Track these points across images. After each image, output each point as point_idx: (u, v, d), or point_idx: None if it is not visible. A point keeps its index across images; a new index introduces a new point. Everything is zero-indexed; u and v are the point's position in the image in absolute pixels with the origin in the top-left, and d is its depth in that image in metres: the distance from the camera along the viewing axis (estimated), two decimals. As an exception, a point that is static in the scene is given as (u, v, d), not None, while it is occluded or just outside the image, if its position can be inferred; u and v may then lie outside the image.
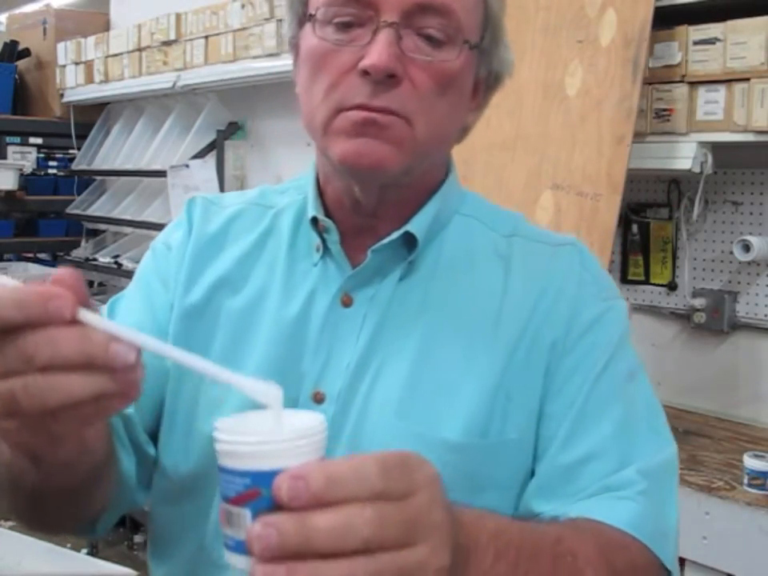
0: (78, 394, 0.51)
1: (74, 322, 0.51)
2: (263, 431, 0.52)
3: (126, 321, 0.88)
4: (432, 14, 0.77)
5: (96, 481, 0.74)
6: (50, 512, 0.76)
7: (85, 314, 0.52)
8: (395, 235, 0.83)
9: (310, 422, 0.53)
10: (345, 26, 0.77)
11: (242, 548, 0.50)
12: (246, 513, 0.50)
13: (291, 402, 0.74)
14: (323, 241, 0.85)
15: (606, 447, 0.82)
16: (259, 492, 0.50)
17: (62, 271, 0.54)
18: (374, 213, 0.84)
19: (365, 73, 0.75)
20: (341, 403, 0.81)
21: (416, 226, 0.83)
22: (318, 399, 0.81)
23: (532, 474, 0.83)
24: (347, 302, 0.84)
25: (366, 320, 0.83)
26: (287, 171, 3.65)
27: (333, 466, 0.49)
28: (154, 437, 0.88)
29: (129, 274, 3.99)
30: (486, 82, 0.86)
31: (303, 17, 0.82)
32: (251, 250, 0.89)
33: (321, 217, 0.85)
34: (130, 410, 0.85)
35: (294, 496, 0.47)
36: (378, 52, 0.74)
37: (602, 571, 0.72)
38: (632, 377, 0.90)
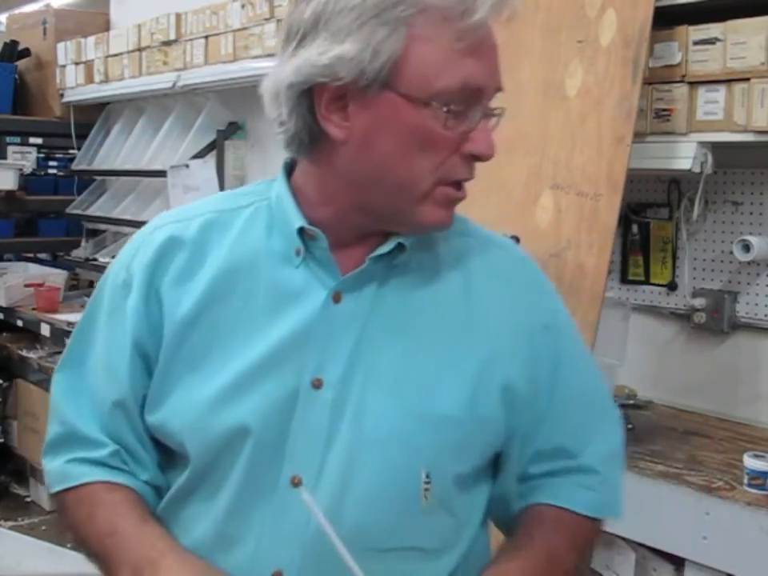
0: None
1: None
2: None
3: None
4: None
5: None
6: None
7: None
8: (390, 245, 0.94)
9: None
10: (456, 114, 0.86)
11: None
12: None
13: (293, 389, 0.91)
14: (305, 246, 0.95)
15: (580, 430, 1.02)
16: None
17: None
18: (374, 234, 0.96)
19: (474, 158, 0.89)
20: (339, 388, 0.92)
21: (404, 237, 0.95)
22: (317, 385, 0.92)
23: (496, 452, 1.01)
24: (337, 299, 0.94)
25: (357, 315, 0.93)
26: (287, 171, 3.65)
27: None
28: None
29: (129, 274, 3.99)
30: None
31: (389, 85, 0.85)
32: (230, 256, 0.96)
33: (309, 227, 0.94)
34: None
35: None
36: (488, 143, 0.88)
37: (573, 557, 0.98)
38: (591, 357, 1.06)
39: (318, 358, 0.92)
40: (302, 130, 0.91)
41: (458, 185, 0.92)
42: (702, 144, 2.00)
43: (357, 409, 0.92)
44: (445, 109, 0.86)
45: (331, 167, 0.92)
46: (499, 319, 0.97)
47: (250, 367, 0.92)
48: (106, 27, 4.68)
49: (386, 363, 0.93)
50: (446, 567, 0.97)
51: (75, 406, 0.99)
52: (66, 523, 1.00)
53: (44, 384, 3.96)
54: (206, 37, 3.58)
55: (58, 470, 0.99)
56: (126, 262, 0.99)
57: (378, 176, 0.90)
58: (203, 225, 0.98)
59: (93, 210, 4.39)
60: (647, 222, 2.40)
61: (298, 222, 0.94)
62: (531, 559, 0.94)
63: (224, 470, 0.93)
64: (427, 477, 0.93)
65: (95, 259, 4.22)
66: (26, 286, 4.12)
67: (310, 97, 0.88)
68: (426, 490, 0.93)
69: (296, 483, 0.91)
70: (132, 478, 0.98)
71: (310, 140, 0.91)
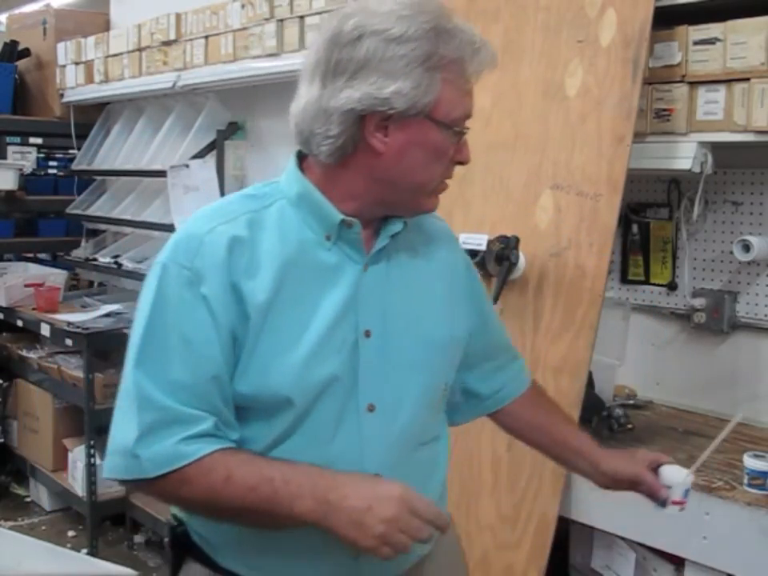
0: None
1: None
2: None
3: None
4: None
5: None
6: None
7: None
8: (400, 225, 1.25)
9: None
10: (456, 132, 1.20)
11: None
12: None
13: (354, 340, 1.19)
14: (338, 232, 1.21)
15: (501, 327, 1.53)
16: None
17: None
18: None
19: (460, 163, 1.23)
20: (381, 334, 1.22)
21: (401, 219, 1.27)
22: (368, 335, 1.21)
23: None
24: (365, 270, 1.23)
25: (380, 279, 1.24)
26: (287, 171, 3.65)
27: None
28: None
29: (129, 274, 3.99)
30: None
31: (423, 114, 1.15)
32: (282, 248, 1.18)
33: (347, 218, 1.20)
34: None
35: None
36: (469, 153, 1.23)
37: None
38: None
39: (363, 314, 1.21)
40: (348, 143, 1.15)
41: (444, 181, 1.25)
42: (702, 144, 2.00)
43: (395, 347, 1.23)
44: (456, 130, 1.18)
45: (364, 171, 1.18)
46: (449, 267, 1.36)
47: (324, 329, 1.17)
48: (106, 27, 4.68)
49: (404, 311, 1.25)
50: (444, 446, 1.37)
51: (169, 392, 1.13)
52: (185, 496, 1.14)
53: (44, 384, 3.96)
54: (206, 37, 3.58)
55: (170, 451, 1.12)
56: (184, 262, 1.15)
57: (402, 178, 1.19)
58: (248, 224, 1.18)
59: (93, 210, 4.39)
60: (647, 221, 2.40)
61: (338, 214, 1.20)
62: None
63: (320, 409, 1.18)
64: (445, 386, 1.33)
65: (95, 259, 4.22)
66: (26, 286, 4.12)
67: (361, 118, 1.14)
68: (443, 395, 1.34)
69: (370, 409, 1.21)
70: (228, 440, 1.16)
71: (352, 150, 1.16)
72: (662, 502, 1.38)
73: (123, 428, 1.15)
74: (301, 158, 1.25)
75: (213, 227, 1.17)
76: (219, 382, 1.15)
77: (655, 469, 1.39)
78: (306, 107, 1.17)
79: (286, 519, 1.11)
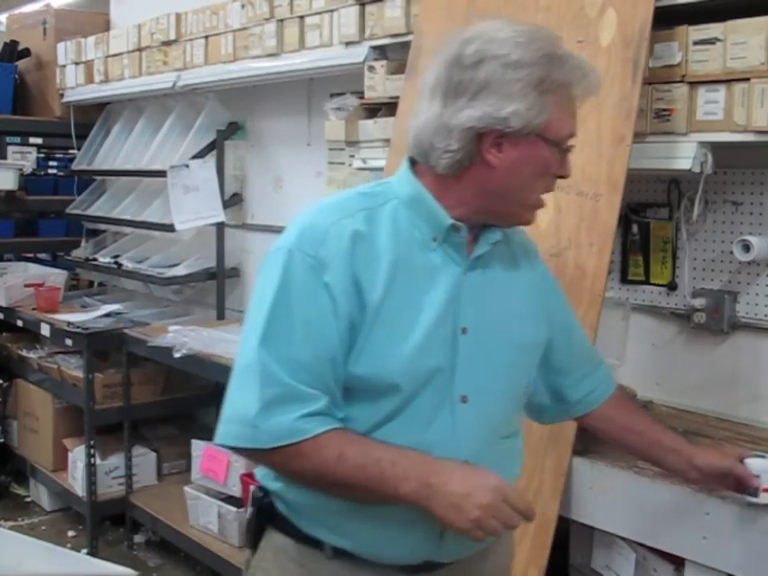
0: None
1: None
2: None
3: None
4: None
5: None
6: None
7: None
8: (499, 234, 1.36)
9: None
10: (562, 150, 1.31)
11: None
12: None
13: (453, 336, 1.30)
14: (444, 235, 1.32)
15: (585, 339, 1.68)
16: None
17: None
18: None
19: (562, 176, 1.34)
20: (476, 332, 1.32)
21: (499, 228, 1.38)
22: (464, 332, 1.31)
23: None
24: (465, 273, 1.33)
25: (478, 282, 1.34)
26: (287, 171, 3.65)
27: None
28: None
29: (129, 274, 3.99)
30: None
31: (536, 132, 1.25)
32: (395, 245, 1.29)
33: (456, 222, 1.31)
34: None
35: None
36: (570, 168, 1.34)
37: None
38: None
39: (461, 313, 1.31)
40: (466, 157, 1.27)
41: (544, 193, 1.35)
42: (702, 144, 2.00)
43: (488, 345, 1.34)
44: (563, 147, 1.30)
45: (476, 183, 1.29)
46: (534, 278, 1.46)
47: (430, 324, 1.28)
48: (106, 27, 4.68)
49: (496, 313, 1.36)
50: (521, 442, 1.48)
51: (290, 370, 1.22)
52: (296, 469, 1.25)
53: (44, 384, 3.96)
54: (206, 37, 3.58)
55: (290, 426, 1.21)
56: (309, 251, 1.25)
57: (511, 191, 1.30)
58: (365, 220, 1.28)
59: (93, 210, 4.39)
60: (647, 222, 2.40)
61: (447, 218, 1.31)
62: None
63: (422, 397, 1.28)
64: (527, 385, 1.45)
65: (95, 259, 4.22)
66: (26, 286, 4.12)
67: (479, 135, 1.25)
68: (524, 393, 1.45)
69: (463, 399, 1.31)
70: (337, 419, 1.26)
71: (468, 163, 1.27)
72: (754, 491, 1.50)
73: (243, 399, 1.23)
74: (412, 163, 1.35)
75: (336, 220, 1.27)
76: (334, 364, 1.25)
77: (740, 462, 1.52)
78: (427, 123, 1.28)
79: (388, 498, 1.23)
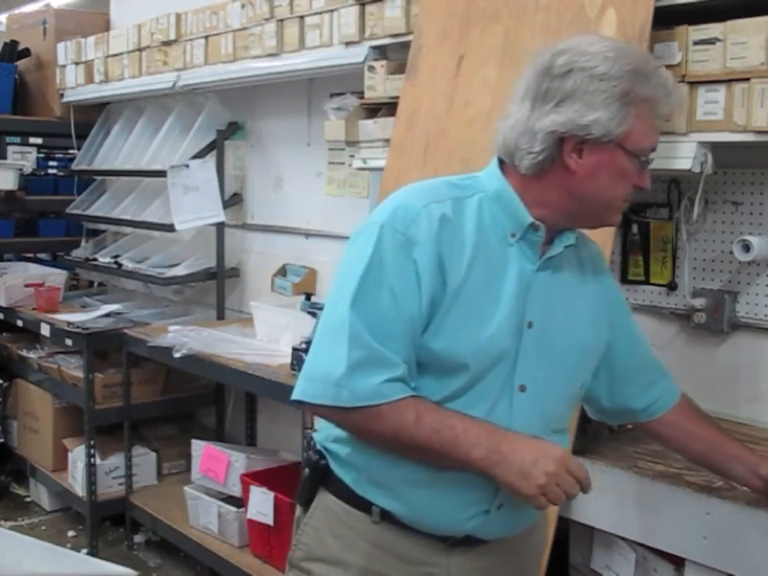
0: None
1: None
2: None
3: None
4: None
5: None
6: None
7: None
8: (573, 238, 1.44)
9: None
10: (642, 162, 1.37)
11: None
12: None
13: (518, 328, 1.38)
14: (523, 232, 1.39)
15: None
16: None
17: None
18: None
19: (641, 188, 1.39)
20: (540, 328, 1.40)
21: (573, 232, 1.46)
22: (530, 326, 1.39)
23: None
24: (536, 270, 1.40)
25: (546, 281, 1.41)
26: (287, 171, 3.65)
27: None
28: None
29: (129, 274, 3.99)
30: None
31: (615, 142, 1.32)
32: (477, 234, 1.36)
33: (536, 221, 1.38)
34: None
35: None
36: (649, 179, 1.40)
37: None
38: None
39: (529, 308, 1.39)
40: (547, 160, 1.34)
41: (626, 201, 1.40)
42: (702, 144, 2.00)
43: (549, 341, 1.41)
44: (642, 159, 1.36)
45: (556, 185, 1.37)
46: (599, 286, 1.52)
47: (503, 314, 1.36)
48: (106, 27, 4.68)
49: (561, 313, 1.43)
50: (568, 439, 1.56)
51: (378, 334, 1.30)
52: (374, 429, 1.32)
53: (44, 384, 3.96)
54: (206, 37, 3.58)
55: (373, 389, 1.29)
56: (400, 228, 1.33)
57: (590, 195, 1.37)
58: (453, 207, 1.36)
59: (93, 210, 4.39)
60: (647, 222, 2.40)
61: (529, 217, 1.38)
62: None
63: (486, 380, 1.36)
64: (581, 385, 1.51)
65: (95, 259, 4.22)
66: (26, 286, 4.12)
67: (561, 140, 1.33)
68: (579, 393, 1.52)
69: (522, 389, 1.39)
70: (412, 389, 1.33)
71: (549, 166, 1.35)
72: None
73: (328, 358, 1.31)
74: (500, 162, 1.42)
75: (427, 203, 1.35)
76: (414, 336, 1.33)
77: None
78: (515, 125, 1.36)
79: (458, 461, 1.31)
